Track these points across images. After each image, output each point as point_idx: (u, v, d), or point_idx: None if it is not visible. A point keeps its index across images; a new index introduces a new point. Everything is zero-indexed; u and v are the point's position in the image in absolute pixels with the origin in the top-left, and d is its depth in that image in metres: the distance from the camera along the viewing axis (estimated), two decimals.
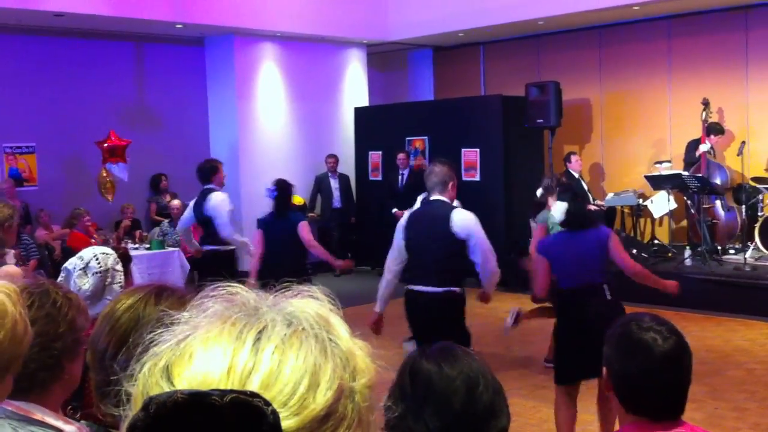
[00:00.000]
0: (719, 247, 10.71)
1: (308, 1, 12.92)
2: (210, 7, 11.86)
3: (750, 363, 7.56)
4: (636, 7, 11.54)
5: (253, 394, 0.70)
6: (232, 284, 0.85)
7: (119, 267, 3.27)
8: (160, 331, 0.81)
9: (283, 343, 0.76)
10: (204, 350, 0.76)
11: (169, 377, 0.76)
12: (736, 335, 8.59)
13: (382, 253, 11.92)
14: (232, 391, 0.69)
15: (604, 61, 13.04)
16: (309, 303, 0.83)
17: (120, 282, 3.22)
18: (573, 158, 11.67)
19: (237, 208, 12.89)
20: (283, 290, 0.86)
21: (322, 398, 0.75)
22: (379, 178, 13.45)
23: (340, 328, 0.82)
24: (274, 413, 0.69)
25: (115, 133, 11.13)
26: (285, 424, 0.71)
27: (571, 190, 5.58)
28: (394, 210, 11.97)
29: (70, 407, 2.03)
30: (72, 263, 3.29)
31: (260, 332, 0.77)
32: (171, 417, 0.68)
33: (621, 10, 11.69)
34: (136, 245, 10.35)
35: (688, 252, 10.62)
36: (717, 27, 11.87)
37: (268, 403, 0.69)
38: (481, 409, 1.65)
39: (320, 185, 13.19)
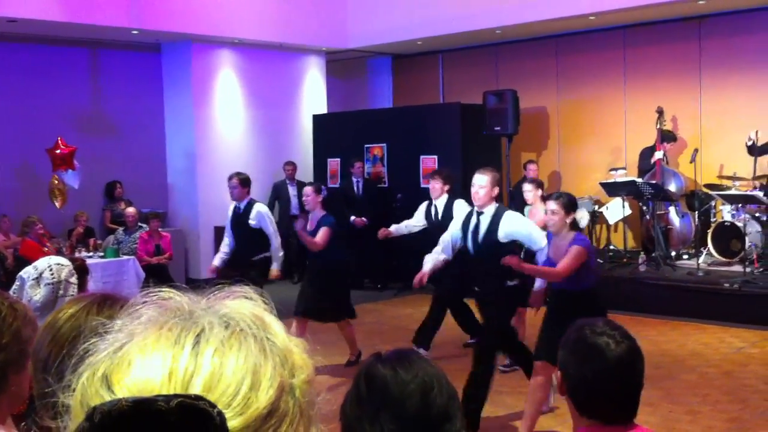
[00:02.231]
0: (673, 253, 10.88)
1: (266, 8, 12.89)
2: (167, 13, 11.76)
3: (703, 367, 7.68)
4: (592, 17, 11.70)
5: (198, 397, 0.69)
6: (163, 289, 0.85)
7: (74, 279, 3.21)
8: (94, 340, 0.81)
9: (223, 345, 0.77)
10: (143, 357, 0.76)
11: (109, 386, 0.75)
12: (690, 339, 8.72)
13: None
14: (177, 396, 0.69)
15: (560, 69, 13.19)
16: (244, 303, 0.83)
17: (73, 294, 3.15)
18: (530, 167, 11.79)
19: (194, 215, 12.83)
20: (216, 291, 0.86)
21: (264, 396, 0.76)
22: (338, 185, 13.44)
23: (275, 326, 0.83)
24: (221, 415, 0.69)
25: (65, 140, 10.96)
26: (230, 424, 0.72)
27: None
28: (353, 218, 11.96)
29: (24, 424, 1.99)
30: (27, 272, 3.24)
31: (198, 336, 0.77)
32: (117, 425, 0.67)
33: (577, 19, 11.84)
34: (90, 253, 10.22)
35: (642, 258, 10.77)
36: (671, 37, 12.08)
37: (213, 405, 0.69)
38: (436, 413, 1.67)
39: (278, 192, 13.13)
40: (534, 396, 5.59)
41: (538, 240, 5.92)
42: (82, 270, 3.29)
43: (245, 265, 8.14)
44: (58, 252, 9.37)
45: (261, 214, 8.19)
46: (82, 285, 3.25)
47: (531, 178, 8.52)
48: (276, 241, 8.24)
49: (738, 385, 7.09)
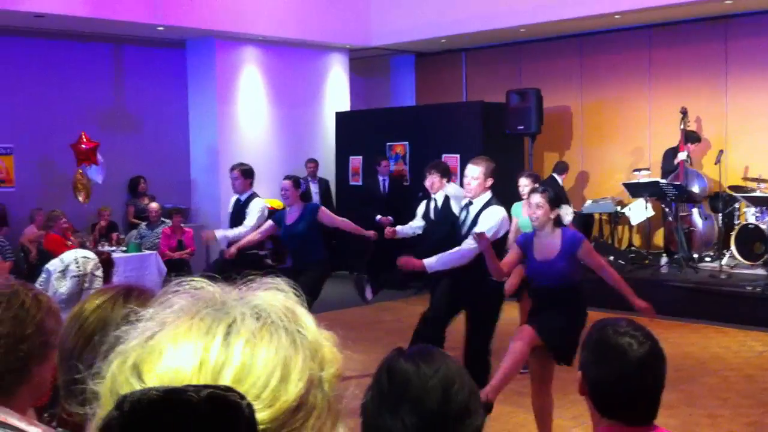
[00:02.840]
0: (696, 255, 10.80)
1: (290, 5, 12.92)
2: (191, 10, 11.82)
3: (724, 370, 7.62)
4: (617, 16, 11.63)
5: (228, 389, 0.70)
6: (195, 279, 0.85)
7: (99, 272, 3.24)
8: (126, 328, 0.81)
9: (254, 337, 0.77)
10: (174, 346, 0.76)
11: (140, 374, 0.75)
12: (712, 342, 8.65)
13: (361, 258, 11.95)
14: (207, 387, 0.69)
15: (584, 69, 13.13)
16: (275, 295, 0.83)
17: (98, 287, 3.18)
18: (555, 177, 11.64)
19: (216, 212, 12.88)
20: (248, 282, 0.86)
21: (293, 389, 0.76)
22: (360, 182, 13.45)
23: (306, 319, 0.83)
24: (250, 407, 0.70)
25: (88, 135, 11.00)
26: (259, 416, 0.72)
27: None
28: (378, 217, 11.93)
29: (47, 414, 2.01)
30: (53, 265, 3.27)
31: (230, 326, 0.77)
32: (146, 414, 0.68)
33: (602, 18, 11.77)
34: (113, 248, 10.29)
35: (664, 259, 10.70)
36: (697, 37, 11.98)
37: (243, 397, 0.70)
38: (456, 408, 1.68)
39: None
40: (514, 357, 5.30)
41: (472, 242, 5.71)
42: (107, 263, 3.32)
43: (238, 259, 7.80)
44: (82, 246, 9.43)
45: (254, 206, 7.83)
46: (107, 278, 3.28)
47: (528, 173, 8.18)
48: (246, 229, 7.74)
49: (759, 389, 7.03)
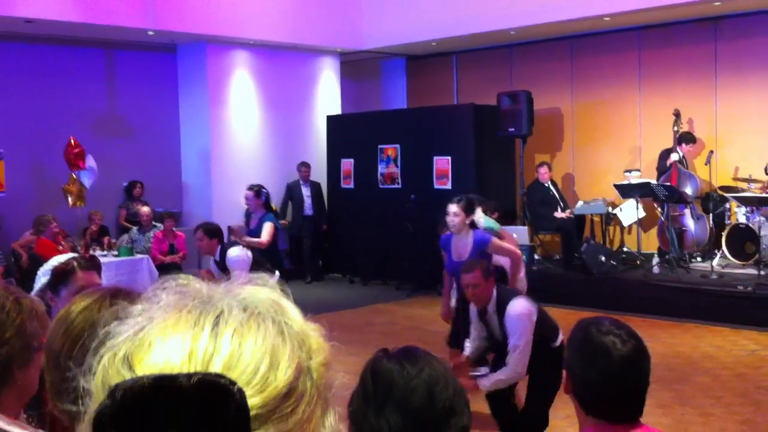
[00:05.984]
0: (687, 255, 10.83)
1: (281, 9, 12.92)
2: (182, 14, 11.82)
3: (716, 369, 7.65)
4: (606, 18, 11.67)
5: (219, 375, 0.71)
6: (181, 276, 0.87)
7: (44, 279, 3.21)
8: (114, 324, 0.82)
9: (242, 327, 0.78)
10: (163, 338, 0.77)
11: (131, 366, 0.77)
12: (703, 342, 8.68)
13: (353, 260, 12.04)
14: (197, 374, 0.70)
15: (575, 71, 13.16)
16: (261, 289, 0.85)
17: (36, 290, 3.17)
18: (540, 170, 11.92)
19: (208, 215, 12.86)
20: (233, 280, 0.88)
21: (283, 376, 0.78)
22: (351, 186, 13.46)
23: (292, 311, 0.85)
24: (241, 391, 0.71)
25: (78, 139, 10.96)
26: (250, 402, 0.73)
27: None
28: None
29: (27, 415, 2.01)
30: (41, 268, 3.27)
31: (217, 318, 0.79)
32: (138, 402, 0.69)
33: (592, 21, 11.81)
34: (105, 252, 10.28)
35: (656, 259, 10.72)
36: (686, 38, 12.02)
37: (233, 383, 0.71)
38: (441, 407, 1.69)
39: (291, 193, 13.18)
40: None
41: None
42: (61, 272, 3.15)
43: None
44: (73, 250, 9.43)
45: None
46: (55, 288, 3.11)
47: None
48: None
49: (751, 387, 7.07)
